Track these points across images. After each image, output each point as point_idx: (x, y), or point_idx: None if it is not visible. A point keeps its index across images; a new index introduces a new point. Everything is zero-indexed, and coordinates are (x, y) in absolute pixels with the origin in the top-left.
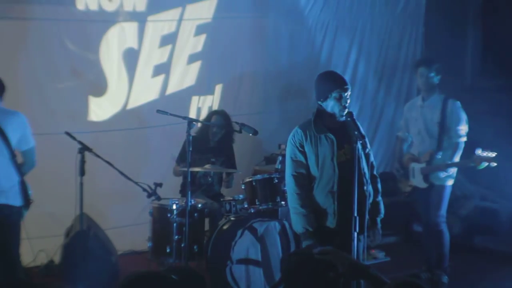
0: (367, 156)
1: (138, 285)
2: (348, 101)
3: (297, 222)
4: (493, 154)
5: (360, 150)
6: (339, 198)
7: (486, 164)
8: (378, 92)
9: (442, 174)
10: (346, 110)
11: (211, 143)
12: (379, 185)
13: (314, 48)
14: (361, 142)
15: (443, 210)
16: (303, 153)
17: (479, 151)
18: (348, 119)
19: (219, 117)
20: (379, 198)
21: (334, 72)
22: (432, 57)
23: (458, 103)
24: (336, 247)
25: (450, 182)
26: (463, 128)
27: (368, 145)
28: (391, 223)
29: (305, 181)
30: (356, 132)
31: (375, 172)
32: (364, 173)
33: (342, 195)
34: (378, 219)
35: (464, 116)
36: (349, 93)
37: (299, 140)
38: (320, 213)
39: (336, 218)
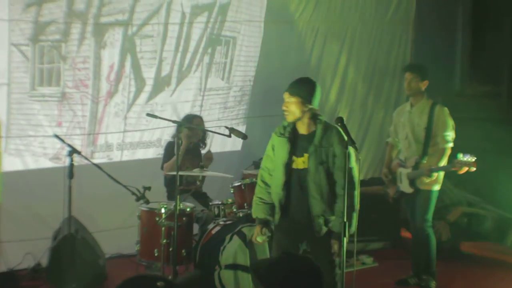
0: (340, 169)
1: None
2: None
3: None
4: (473, 159)
5: (323, 159)
6: (285, 204)
7: (466, 169)
8: (367, 97)
9: (427, 179)
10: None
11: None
12: (339, 205)
13: (303, 53)
14: (345, 150)
15: (429, 215)
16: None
17: (460, 156)
18: (338, 124)
19: (201, 120)
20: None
21: None
22: (418, 63)
23: (446, 109)
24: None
25: (436, 187)
26: (450, 134)
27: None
28: (379, 228)
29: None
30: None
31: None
32: (321, 185)
33: (289, 202)
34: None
35: (451, 122)
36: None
37: (272, 139)
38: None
39: (279, 222)
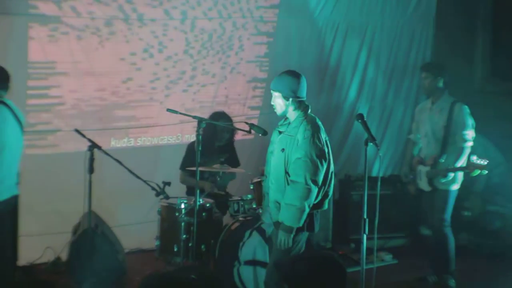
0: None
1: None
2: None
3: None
4: (485, 162)
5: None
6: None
7: (478, 171)
8: (387, 94)
9: (443, 179)
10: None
11: (216, 144)
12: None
13: (323, 50)
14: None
15: (447, 215)
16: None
17: (474, 158)
18: (359, 120)
19: (227, 120)
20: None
21: None
22: (433, 61)
23: (466, 108)
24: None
25: (454, 187)
26: (469, 133)
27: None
28: (399, 226)
29: None
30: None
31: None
32: (278, 172)
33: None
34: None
35: (470, 121)
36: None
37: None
38: None
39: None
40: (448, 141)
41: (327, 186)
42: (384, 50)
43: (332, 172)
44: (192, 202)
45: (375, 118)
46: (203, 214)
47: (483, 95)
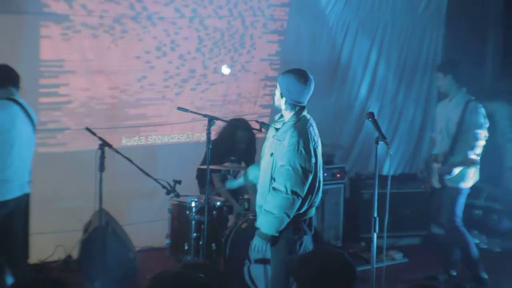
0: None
1: (168, 285)
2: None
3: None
4: (478, 157)
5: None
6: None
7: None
8: (398, 93)
9: (448, 176)
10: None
11: (236, 150)
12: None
13: (334, 48)
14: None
15: (457, 212)
16: None
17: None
18: (369, 119)
19: (245, 132)
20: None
21: None
22: (449, 61)
23: (480, 107)
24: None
25: (464, 185)
26: (482, 132)
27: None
28: (410, 224)
29: None
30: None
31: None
32: (265, 176)
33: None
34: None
35: (483, 121)
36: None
37: None
38: None
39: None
40: (459, 138)
41: (314, 196)
42: (394, 48)
43: (320, 181)
44: (202, 200)
45: (385, 117)
46: (214, 212)
47: (493, 93)
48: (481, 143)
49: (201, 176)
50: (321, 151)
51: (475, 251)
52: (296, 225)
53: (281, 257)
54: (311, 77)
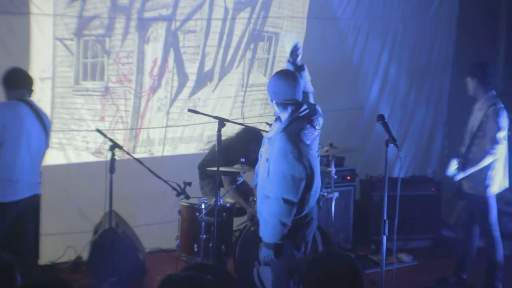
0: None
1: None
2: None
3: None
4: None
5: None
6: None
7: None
8: (408, 95)
9: (461, 174)
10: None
11: (249, 156)
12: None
13: (345, 50)
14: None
15: (491, 221)
16: None
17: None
18: (380, 121)
19: (258, 145)
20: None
21: None
22: (475, 64)
23: (501, 110)
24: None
25: (489, 192)
26: (501, 136)
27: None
28: (420, 227)
29: None
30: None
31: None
32: (263, 182)
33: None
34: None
35: (504, 125)
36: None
37: None
38: None
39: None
40: (475, 141)
41: (310, 202)
42: (406, 50)
43: (317, 187)
44: (212, 202)
45: (396, 119)
46: (224, 214)
47: (505, 97)
48: (498, 146)
49: (202, 166)
50: (318, 142)
51: (501, 259)
52: (298, 229)
53: (282, 262)
54: (294, 72)
